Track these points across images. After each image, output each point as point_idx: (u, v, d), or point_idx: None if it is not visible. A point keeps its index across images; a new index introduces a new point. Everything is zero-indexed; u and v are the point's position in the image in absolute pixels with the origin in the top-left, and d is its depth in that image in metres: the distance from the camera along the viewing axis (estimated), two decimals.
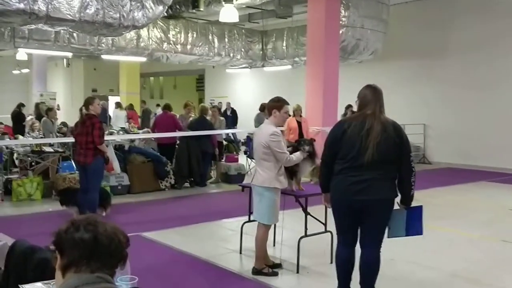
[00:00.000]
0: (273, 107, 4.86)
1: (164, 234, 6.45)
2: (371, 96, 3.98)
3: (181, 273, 5.05)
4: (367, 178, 3.82)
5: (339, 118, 11.95)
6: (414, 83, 14.69)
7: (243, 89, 20.51)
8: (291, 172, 5.01)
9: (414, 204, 4.02)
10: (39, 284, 2.39)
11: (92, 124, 6.62)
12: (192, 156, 9.70)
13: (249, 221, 5.49)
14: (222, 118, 11.09)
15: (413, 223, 4.10)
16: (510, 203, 8.49)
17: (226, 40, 13.79)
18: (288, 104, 5.05)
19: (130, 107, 15.61)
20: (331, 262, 5.24)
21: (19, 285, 2.36)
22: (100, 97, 20.51)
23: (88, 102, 6.75)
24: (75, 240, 1.54)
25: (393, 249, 5.60)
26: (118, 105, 15.05)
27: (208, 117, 10.19)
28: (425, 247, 5.94)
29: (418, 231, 4.13)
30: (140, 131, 12.88)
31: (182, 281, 4.84)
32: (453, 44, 13.93)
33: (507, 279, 4.87)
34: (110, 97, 22.84)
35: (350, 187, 3.86)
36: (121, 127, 13.55)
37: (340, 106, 11.92)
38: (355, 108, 11.97)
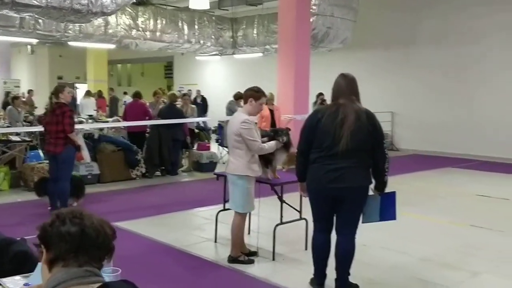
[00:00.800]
0: (251, 96, 4.85)
1: (138, 223, 6.40)
2: (345, 85, 4.05)
3: (156, 263, 5.02)
4: (342, 166, 3.89)
5: (310, 106, 12.05)
6: (382, 71, 14.88)
7: (213, 76, 20.40)
8: (266, 160, 5.03)
9: (386, 190, 4.12)
10: (18, 277, 2.35)
11: (62, 112, 6.50)
12: (163, 145, 9.62)
13: (224, 209, 5.49)
14: (193, 106, 11.02)
15: (387, 209, 4.19)
16: (477, 189, 8.74)
17: (196, 27, 13.65)
18: (265, 96, 5.08)
19: (100, 95, 15.32)
20: (306, 249, 5.30)
21: None
22: (67, 84, 20.18)
23: (58, 91, 6.60)
24: (61, 233, 1.51)
25: (365, 234, 5.71)
26: (87, 93, 14.73)
27: (178, 105, 10.12)
28: (395, 233, 6.06)
29: (392, 216, 4.23)
30: (110, 119, 12.68)
31: (158, 270, 4.82)
32: (421, 33, 14.15)
33: (477, 263, 5.01)
34: (77, 85, 22.43)
35: (325, 175, 3.93)
36: (89, 115, 13.30)
37: (311, 94, 11.98)
38: (326, 97, 12.01)
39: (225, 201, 5.52)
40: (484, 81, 12.93)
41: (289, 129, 5.11)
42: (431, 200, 8.12)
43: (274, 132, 4.99)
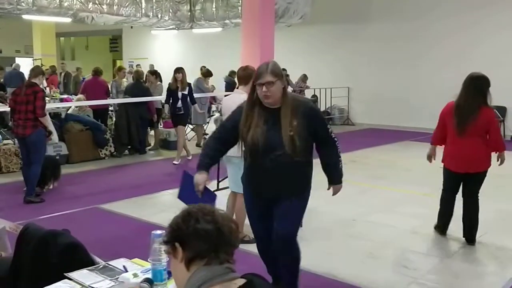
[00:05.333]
0: (252, 77, 4.82)
1: (122, 204, 6.32)
2: None
3: (148, 243, 4.99)
4: None
5: None
6: (340, 47, 15.12)
7: (166, 51, 19.96)
8: None
9: None
10: (85, 270, 2.32)
11: (34, 92, 6.26)
12: (131, 123, 9.43)
13: (217, 189, 5.52)
14: (159, 83, 10.79)
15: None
16: (438, 161, 9.15)
17: (154, 0, 13.27)
18: None
19: (53, 70, 14.64)
20: (301, 226, 5.44)
21: (65, 273, 2.27)
22: (6, 59, 19.04)
23: (40, 72, 6.56)
24: (199, 232, 1.51)
25: (347, 208, 5.97)
26: None
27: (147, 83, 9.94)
28: (375, 207, 6.34)
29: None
30: (65, 96, 12.20)
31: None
32: (377, 8, 14.45)
33: (459, 232, 5.33)
34: (17, 59, 21.28)
35: None
36: None
37: None
38: (289, 72, 11.90)
39: (218, 181, 5.56)
40: (436, 56, 13.44)
41: None
42: (399, 172, 8.46)
43: None
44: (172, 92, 8.65)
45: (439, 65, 13.31)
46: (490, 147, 4.72)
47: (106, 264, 2.39)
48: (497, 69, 12.31)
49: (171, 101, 8.66)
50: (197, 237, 1.51)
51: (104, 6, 12.15)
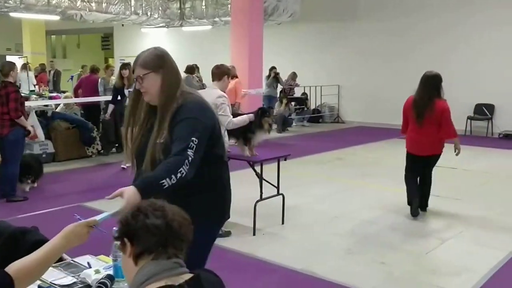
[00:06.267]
0: (225, 73, 4.96)
1: (105, 203, 6.27)
2: None
3: None
4: None
5: (263, 80, 12.13)
6: (330, 44, 15.13)
7: None
8: (245, 138, 5.10)
9: None
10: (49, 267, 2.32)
11: (6, 93, 6.08)
12: (118, 121, 9.40)
13: None
14: None
15: None
16: None
17: None
18: None
19: (42, 68, 14.58)
20: (283, 223, 5.49)
21: None
22: None
23: (9, 68, 6.19)
24: (148, 227, 1.52)
25: (333, 205, 6.00)
26: (23, 66, 13.94)
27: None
28: (361, 204, 6.35)
29: None
30: (54, 94, 12.17)
31: None
32: (366, 6, 14.47)
33: (443, 231, 5.37)
34: (8, 57, 21.18)
35: None
36: (31, 91, 12.68)
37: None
38: (279, 70, 11.94)
39: None
40: (425, 53, 13.48)
41: (272, 108, 5.20)
42: (386, 170, 8.46)
43: (262, 112, 5.03)
44: (118, 90, 8.40)
45: (428, 62, 13.24)
46: (443, 134, 5.46)
47: (71, 261, 2.39)
48: (485, 67, 12.42)
49: (118, 99, 8.40)
50: (145, 232, 1.52)
51: (93, 4, 12.16)
